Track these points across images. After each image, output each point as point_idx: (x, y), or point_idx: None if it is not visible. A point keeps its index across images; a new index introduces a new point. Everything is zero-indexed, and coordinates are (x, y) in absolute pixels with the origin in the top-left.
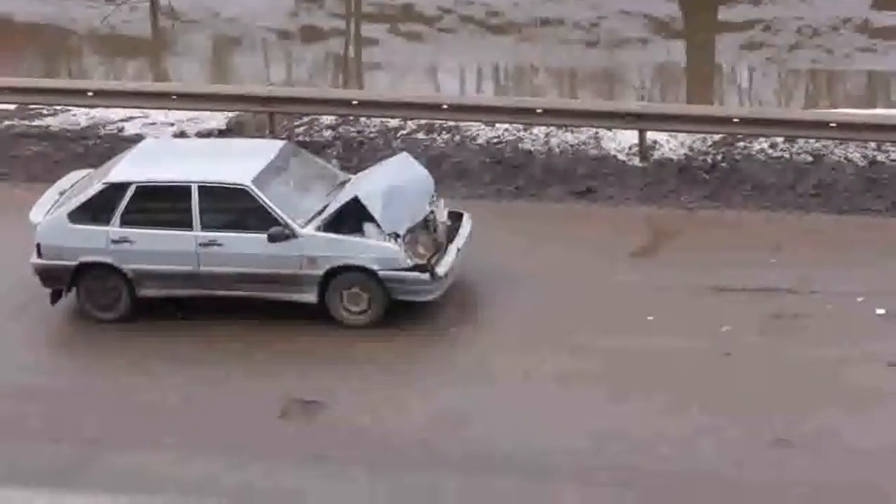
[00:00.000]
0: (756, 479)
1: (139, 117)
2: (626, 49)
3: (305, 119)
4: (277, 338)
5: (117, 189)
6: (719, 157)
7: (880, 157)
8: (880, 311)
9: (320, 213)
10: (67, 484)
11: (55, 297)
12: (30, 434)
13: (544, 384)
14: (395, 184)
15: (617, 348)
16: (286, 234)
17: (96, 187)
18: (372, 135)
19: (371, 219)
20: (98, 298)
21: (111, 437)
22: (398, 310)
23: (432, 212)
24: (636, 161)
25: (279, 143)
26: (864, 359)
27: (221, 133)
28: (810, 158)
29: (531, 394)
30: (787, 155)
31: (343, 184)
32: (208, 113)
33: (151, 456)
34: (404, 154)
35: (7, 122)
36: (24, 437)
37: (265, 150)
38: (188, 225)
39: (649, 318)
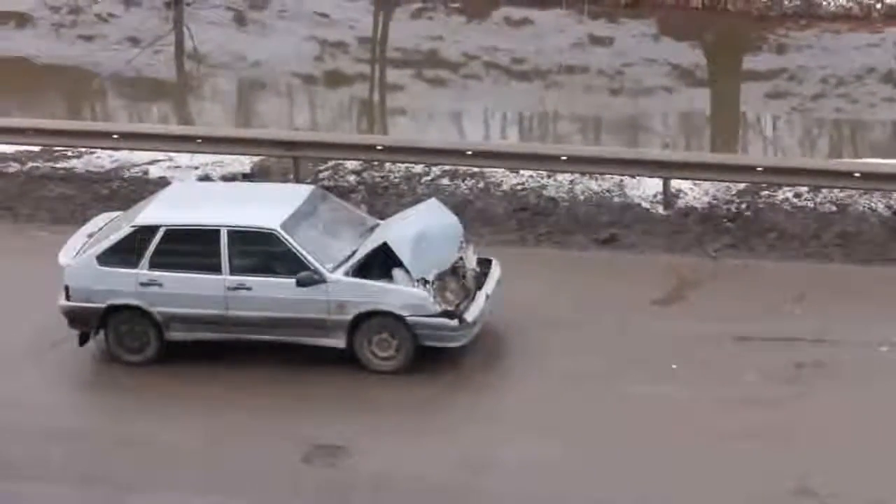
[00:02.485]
0: None
1: (164, 160)
2: (650, 97)
3: (330, 164)
4: (302, 381)
5: (146, 232)
6: (743, 206)
7: None
8: None
9: (349, 258)
10: None
11: (83, 339)
12: (54, 475)
13: (567, 431)
14: (424, 230)
15: (640, 397)
16: (315, 279)
17: (125, 230)
18: (396, 180)
19: (400, 264)
20: (126, 341)
21: (135, 480)
22: (426, 356)
23: (461, 258)
24: (660, 209)
25: (308, 188)
26: (887, 409)
27: (245, 177)
28: (834, 208)
29: (554, 441)
30: (811, 204)
31: (372, 229)
32: (233, 157)
33: (174, 499)
34: (434, 200)
35: (32, 164)
36: (48, 478)
37: (294, 194)
38: (217, 269)
39: (673, 366)
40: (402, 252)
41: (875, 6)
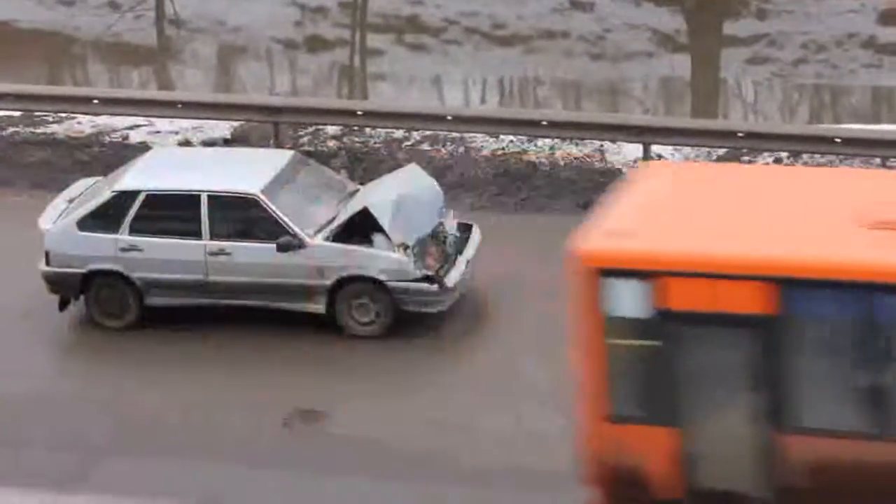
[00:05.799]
0: None
1: (144, 125)
2: (631, 62)
3: (310, 129)
4: (283, 347)
5: (126, 197)
6: None
7: None
8: None
9: (330, 223)
10: (69, 489)
11: (63, 304)
12: (33, 440)
13: (549, 396)
14: (404, 195)
15: None
16: (295, 244)
17: (105, 195)
18: (377, 145)
19: (380, 229)
20: (106, 306)
21: (114, 444)
22: (406, 321)
23: (441, 223)
24: None
25: (288, 154)
26: None
27: (226, 142)
28: None
29: (535, 406)
30: None
31: (352, 194)
32: (213, 122)
33: (153, 462)
34: (414, 165)
35: (12, 129)
36: (27, 442)
37: (274, 160)
38: (197, 234)
39: None
40: (383, 217)
41: None
